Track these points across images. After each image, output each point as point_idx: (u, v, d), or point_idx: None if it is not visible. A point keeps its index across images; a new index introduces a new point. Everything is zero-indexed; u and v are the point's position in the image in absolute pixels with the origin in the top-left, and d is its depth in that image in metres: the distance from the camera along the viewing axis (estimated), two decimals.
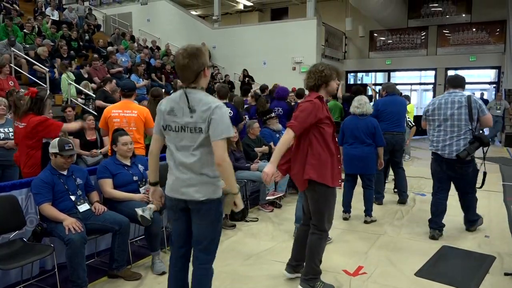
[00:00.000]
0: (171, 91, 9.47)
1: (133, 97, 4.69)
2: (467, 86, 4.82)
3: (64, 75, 8.48)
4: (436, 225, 4.41)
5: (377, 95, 7.43)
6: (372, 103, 5.42)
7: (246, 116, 6.72)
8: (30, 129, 3.66)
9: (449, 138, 4.14)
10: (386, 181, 6.42)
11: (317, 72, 3.05)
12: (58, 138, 3.40)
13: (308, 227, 3.23)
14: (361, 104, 4.80)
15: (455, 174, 4.30)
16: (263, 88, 9.23)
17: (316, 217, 3.12)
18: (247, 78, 13.54)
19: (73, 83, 8.41)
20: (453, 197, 6.11)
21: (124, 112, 4.47)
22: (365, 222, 4.87)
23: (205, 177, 2.29)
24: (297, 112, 2.99)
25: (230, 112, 5.98)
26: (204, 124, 2.22)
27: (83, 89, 8.29)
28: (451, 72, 16.38)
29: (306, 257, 3.16)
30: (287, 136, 2.93)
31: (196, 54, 2.26)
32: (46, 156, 3.53)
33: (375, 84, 18.64)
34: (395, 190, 6.30)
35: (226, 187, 2.35)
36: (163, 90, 7.88)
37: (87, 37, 12.67)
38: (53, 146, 3.33)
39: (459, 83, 4.29)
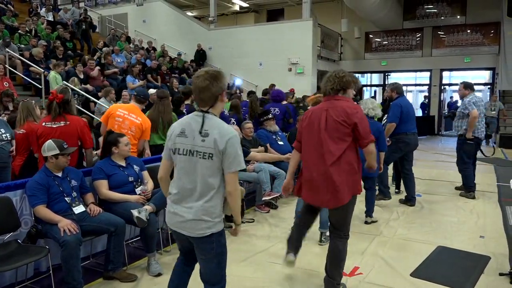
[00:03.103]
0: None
1: (143, 105, 4.76)
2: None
3: (52, 74, 8.41)
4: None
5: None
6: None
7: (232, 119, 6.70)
8: (80, 128, 3.88)
9: (482, 126, 5.98)
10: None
11: (337, 78, 2.97)
12: (51, 140, 3.38)
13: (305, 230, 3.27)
14: (375, 107, 4.88)
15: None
16: (265, 92, 9.29)
17: (345, 225, 3.06)
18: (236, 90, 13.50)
19: (59, 84, 8.32)
20: (451, 201, 6.16)
21: (129, 115, 4.54)
22: (366, 222, 4.89)
23: (199, 212, 2.21)
24: (364, 124, 2.86)
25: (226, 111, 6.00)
26: (215, 151, 2.16)
27: (69, 84, 8.25)
28: (446, 73, 16.49)
29: (333, 264, 3.08)
30: (375, 149, 2.94)
31: (217, 76, 2.24)
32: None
33: (371, 85, 18.77)
34: (397, 190, 6.33)
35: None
36: None
37: (84, 27, 12.63)
38: (51, 148, 3.31)
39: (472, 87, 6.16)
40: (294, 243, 3.26)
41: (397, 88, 5.66)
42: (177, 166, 2.30)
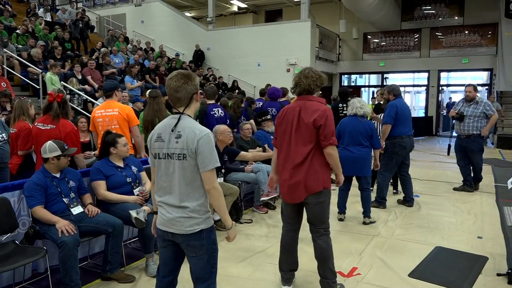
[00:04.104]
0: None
1: (115, 96, 4.64)
2: (461, 88, 6.17)
3: (48, 74, 8.41)
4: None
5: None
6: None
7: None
8: (63, 132, 3.82)
9: None
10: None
11: (314, 76, 3.05)
12: (51, 141, 3.38)
13: (295, 232, 3.24)
14: (363, 105, 4.82)
15: None
16: (263, 92, 9.30)
17: (323, 220, 3.11)
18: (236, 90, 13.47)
19: (55, 85, 8.32)
20: (449, 202, 6.16)
21: (106, 111, 4.52)
22: (364, 223, 4.88)
23: (187, 210, 2.22)
24: (328, 125, 2.94)
25: (221, 112, 5.99)
26: (188, 151, 2.18)
27: (67, 85, 8.26)
28: (444, 74, 16.53)
29: (321, 263, 3.11)
30: (336, 152, 2.99)
31: (190, 75, 2.26)
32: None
33: (369, 86, 18.78)
34: (394, 191, 6.34)
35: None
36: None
37: (80, 25, 12.64)
38: (53, 149, 3.30)
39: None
40: (286, 274, 3.25)
41: (394, 90, 5.57)
42: (158, 169, 2.31)
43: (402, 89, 17.57)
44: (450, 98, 18.09)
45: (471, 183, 6.52)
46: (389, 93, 5.62)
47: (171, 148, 2.23)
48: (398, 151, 5.41)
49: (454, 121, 6.62)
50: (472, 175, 6.53)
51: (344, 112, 7.33)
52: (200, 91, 2.37)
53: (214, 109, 5.84)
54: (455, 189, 6.58)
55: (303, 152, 2.99)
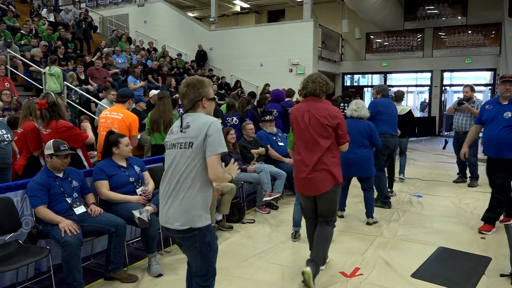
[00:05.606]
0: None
1: (127, 104, 4.73)
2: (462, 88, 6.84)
3: (58, 69, 8.43)
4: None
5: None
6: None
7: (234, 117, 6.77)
8: (60, 134, 3.85)
9: None
10: None
11: (322, 82, 3.31)
12: (53, 140, 3.40)
13: (315, 224, 3.50)
14: (359, 108, 4.83)
15: None
16: (262, 93, 9.32)
17: (332, 212, 3.42)
18: (239, 89, 13.47)
19: (52, 76, 8.33)
20: (452, 202, 6.14)
21: (111, 113, 4.62)
22: (368, 223, 4.88)
23: (184, 202, 2.24)
24: (343, 127, 3.29)
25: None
26: (195, 140, 2.23)
27: (66, 83, 8.30)
28: (447, 74, 16.47)
29: (319, 244, 3.41)
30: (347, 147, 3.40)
31: (194, 84, 2.33)
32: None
33: (371, 86, 18.74)
34: (389, 190, 6.32)
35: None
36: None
37: (83, 26, 12.67)
38: (48, 147, 3.33)
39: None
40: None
41: (382, 91, 5.71)
42: (165, 160, 2.41)
43: (405, 89, 17.63)
44: (459, 98, 17.96)
45: (466, 174, 7.10)
46: (377, 93, 5.76)
47: (178, 138, 2.31)
48: (381, 150, 5.40)
49: (453, 117, 7.02)
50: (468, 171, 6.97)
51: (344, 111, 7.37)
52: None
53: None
54: (454, 181, 7.08)
55: (319, 149, 3.24)
